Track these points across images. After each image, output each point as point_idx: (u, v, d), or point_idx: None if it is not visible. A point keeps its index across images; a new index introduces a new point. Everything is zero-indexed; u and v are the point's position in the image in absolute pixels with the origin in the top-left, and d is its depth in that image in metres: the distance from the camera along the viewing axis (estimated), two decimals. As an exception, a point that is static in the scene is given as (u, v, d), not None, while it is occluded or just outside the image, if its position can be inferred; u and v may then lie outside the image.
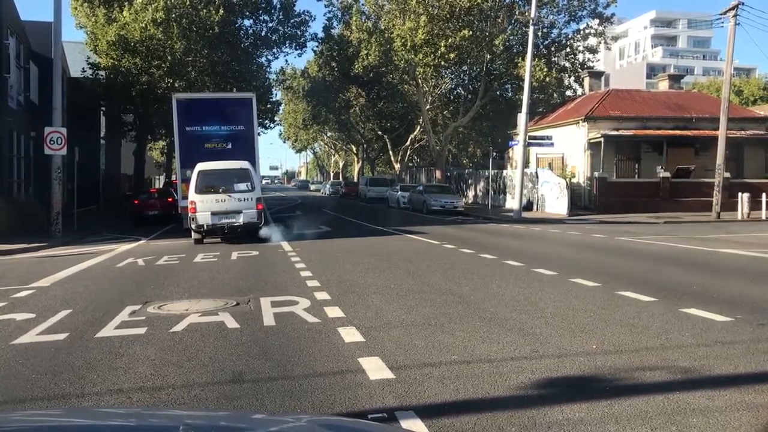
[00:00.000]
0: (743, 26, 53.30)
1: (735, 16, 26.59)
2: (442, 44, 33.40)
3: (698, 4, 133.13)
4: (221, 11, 32.31)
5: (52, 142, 19.23)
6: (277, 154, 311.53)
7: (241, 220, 16.86)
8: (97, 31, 32.80)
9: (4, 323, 7.53)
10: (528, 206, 30.92)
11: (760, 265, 12.48)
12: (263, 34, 38.25)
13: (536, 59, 31.55)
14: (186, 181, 18.25)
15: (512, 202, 30.17)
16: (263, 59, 39.99)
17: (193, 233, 17.10)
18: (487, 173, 36.89)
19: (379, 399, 4.67)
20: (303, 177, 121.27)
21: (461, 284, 9.82)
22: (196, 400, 4.77)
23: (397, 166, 52.86)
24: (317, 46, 43.24)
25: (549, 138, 30.42)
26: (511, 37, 37.00)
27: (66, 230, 19.67)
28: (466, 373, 5.28)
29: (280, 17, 37.78)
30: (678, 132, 31.96)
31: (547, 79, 34.18)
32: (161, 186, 39.51)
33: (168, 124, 27.84)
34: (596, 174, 30.79)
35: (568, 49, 38.14)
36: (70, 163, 24.29)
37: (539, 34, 34.26)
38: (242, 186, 17.03)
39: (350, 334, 6.53)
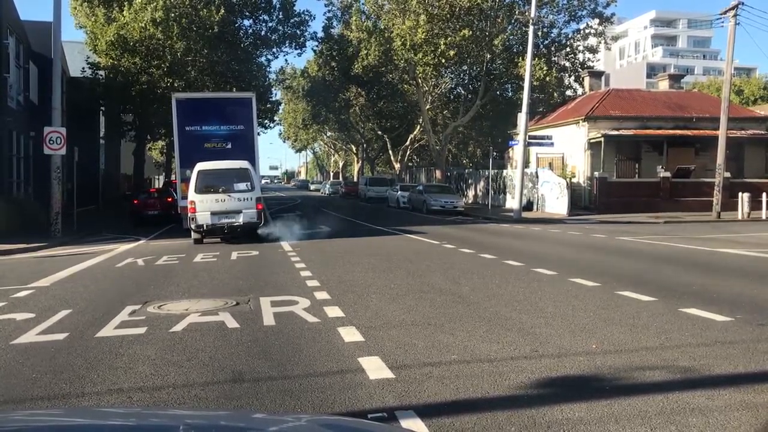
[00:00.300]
0: (743, 26, 53.32)
1: (735, 15, 26.59)
2: (442, 42, 33.41)
3: (698, 4, 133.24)
4: (221, 11, 32.31)
5: (51, 142, 19.22)
6: (277, 153, 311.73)
7: (240, 219, 16.85)
8: (96, 31, 32.79)
9: (4, 323, 7.53)
10: (528, 206, 30.92)
11: (761, 265, 12.48)
12: (263, 33, 38.27)
13: (536, 59, 31.53)
14: (186, 180, 18.23)
15: (512, 202, 30.16)
16: (263, 59, 40.08)
17: (192, 233, 17.09)
18: (487, 173, 36.90)
19: (379, 399, 4.67)
20: (303, 177, 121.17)
21: (461, 284, 9.82)
22: (196, 399, 4.78)
23: (397, 165, 52.86)
24: (317, 46, 43.29)
25: (549, 138, 30.41)
26: (511, 37, 36.99)
27: (65, 230, 19.66)
28: (466, 372, 5.28)
29: (280, 17, 37.81)
30: (678, 132, 31.97)
31: (547, 78, 34.16)
32: (161, 186, 39.50)
33: (168, 124, 27.82)
34: (596, 174, 30.79)
35: (568, 49, 38.12)
36: (70, 162, 24.29)
37: (539, 33, 34.24)
38: (242, 186, 17.02)
39: (350, 334, 6.53)
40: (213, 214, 16.69)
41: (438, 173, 42.04)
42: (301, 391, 4.86)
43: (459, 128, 43.11)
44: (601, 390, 4.86)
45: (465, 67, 40.09)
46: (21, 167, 25.25)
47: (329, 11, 41.60)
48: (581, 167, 32.57)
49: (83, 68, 34.46)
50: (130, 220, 25.31)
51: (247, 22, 38.23)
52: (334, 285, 9.74)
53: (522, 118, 28.10)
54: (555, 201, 30.62)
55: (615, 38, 49.42)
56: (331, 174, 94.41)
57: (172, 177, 31.26)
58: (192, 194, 16.75)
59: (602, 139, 31.01)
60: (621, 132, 31.66)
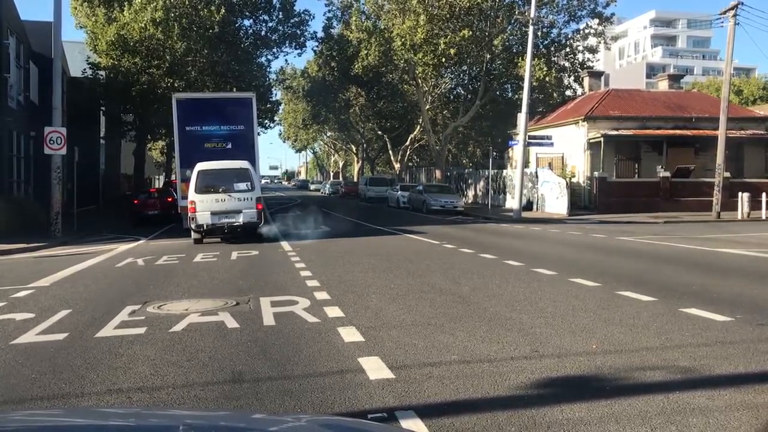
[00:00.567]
0: (743, 26, 53.33)
1: (735, 16, 26.59)
2: (442, 42, 33.41)
3: (698, 4, 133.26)
4: (221, 11, 32.31)
5: (51, 142, 19.22)
6: (277, 153, 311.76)
7: (240, 219, 16.85)
8: (97, 31, 32.80)
9: (4, 323, 7.53)
10: (528, 206, 30.93)
11: (760, 265, 12.48)
12: (263, 33, 38.28)
13: (536, 59, 31.54)
14: (186, 180, 18.23)
15: (512, 202, 30.17)
16: (263, 59, 40.09)
17: (192, 233, 17.09)
18: (487, 173, 36.90)
19: (379, 399, 4.67)
20: (303, 177, 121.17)
21: (461, 284, 9.82)
22: (196, 400, 4.77)
23: (397, 165, 52.86)
24: (317, 46, 43.33)
25: (549, 138, 30.42)
26: (511, 37, 36.99)
27: (66, 230, 19.66)
28: (466, 372, 5.28)
29: (280, 17, 37.82)
30: (678, 132, 31.97)
31: (547, 78, 34.17)
32: (161, 186, 39.50)
33: (168, 124, 27.83)
34: (596, 174, 30.80)
35: (567, 49, 38.13)
36: (70, 162, 24.29)
37: (539, 33, 34.23)
38: (242, 186, 17.01)
39: (350, 334, 6.53)
40: (213, 214, 16.69)
41: (438, 173, 42.04)
42: (301, 391, 4.86)
43: (459, 128, 43.12)
44: (602, 390, 4.85)
45: (465, 67, 40.11)
46: (21, 167, 25.25)
47: (329, 11, 41.70)
48: (581, 167, 32.58)
49: (84, 68, 34.48)
50: (130, 219, 25.32)
51: (247, 22, 38.30)
52: (334, 285, 9.74)
53: (522, 118, 28.10)
54: (555, 201, 30.63)
55: (615, 38, 49.48)
56: (331, 174, 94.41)
57: (172, 177, 31.28)
58: (192, 194, 16.75)
59: (602, 139, 31.01)
60: (620, 132, 31.67)
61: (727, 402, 4.59)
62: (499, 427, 4.15)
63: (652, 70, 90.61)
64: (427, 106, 41.09)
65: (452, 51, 33.76)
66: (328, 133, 73.66)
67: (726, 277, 10.54)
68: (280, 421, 2.31)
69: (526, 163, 29.88)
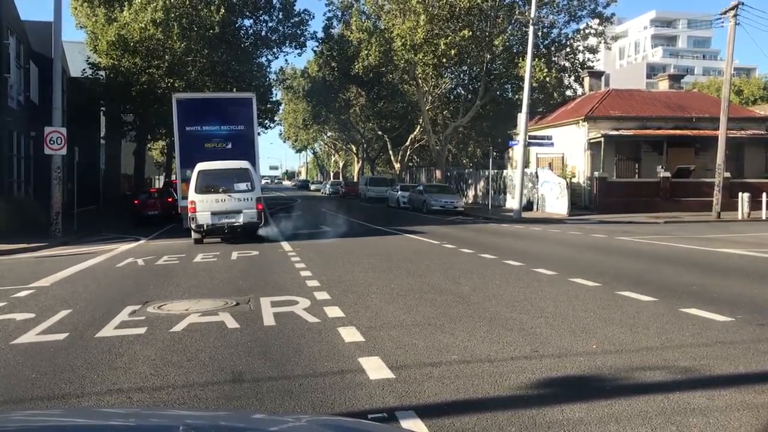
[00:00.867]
0: (743, 26, 53.31)
1: (735, 16, 26.58)
2: (442, 42, 33.42)
3: (698, 4, 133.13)
4: (221, 11, 32.31)
5: (51, 142, 19.23)
6: (277, 154, 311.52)
7: (241, 219, 16.85)
8: (97, 31, 32.80)
9: (4, 323, 7.53)
10: (528, 206, 30.92)
11: (761, 265, 12.48)
12: (263, 34, 38.28)
13: (536, 59, 31.53)
14: (186, 180, 18.25)
15: (512, 202, 30.17)
16: (263, 59, 40.07)
17: (192, 233, 17.09)
18: (487, 173, 36.89)
19: (379, 399, 4.67)
20: (303, 177, 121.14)
21: (461, 284, 9.82)
22: (196, 400, 4.77)
23: (397, 166, 52.86)
24: (317, 46, 43.32)
25: (549, 138, 30.42)
26: (511, 37, 36.99)
27: (66, 230, 19.67)
28: (466, 372, 5.28)
29: (280, 17, 37.82)
30: (678, 132, 31.97)
31: (547, 79, 34.16)
32: (161, 186, 39.49)
33: (168, 124, 27.83)
34: (596, 174, 30.79)
35: (568, 49, 38.13)
36: (70, 162, 24.29)
37: (539, 34, 34.23)
38: (242, 186, 17.02)
39: (350, 334, 6.53)
40: (213, 214, 16.69)
41: (438, 173, 42.04)
42: (301, 391, 4.86)
43: (459, 128, 43.11)
44: (602, 390, 4.85)
45: (465, 68, 40.10)
46: (21, 167, 25.25)
47: (329, 11, 41.68)
48: (581, 167, 32.57)
49: (84, 68, 34.47)
50: (130, 220, 25.32)
51: (247, 22, 38.30)
52: (334, 285, 9.74)
53: (522, 118, 28.10)
54: (555, 201, 30.62)
55: (615, 38, 49.45)
56: (332, 174, 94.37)
57: (173, 177, 31.27)
58: (192, 194, 16.75)
59: (602, 139, 31.01)
60: (621, 132, 31.66)
61: (727, 402, 4.59)
62: (499, 427, 4.15)
63: (652, 70, 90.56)
64: (428, 106, 41.09)
65: (452, 51, 33.76)
66: (329, 133, 73.64)
67: (726, 277, 10.54)
68: (280, 421, 2.32)
69: (526, 164, 29.88)
